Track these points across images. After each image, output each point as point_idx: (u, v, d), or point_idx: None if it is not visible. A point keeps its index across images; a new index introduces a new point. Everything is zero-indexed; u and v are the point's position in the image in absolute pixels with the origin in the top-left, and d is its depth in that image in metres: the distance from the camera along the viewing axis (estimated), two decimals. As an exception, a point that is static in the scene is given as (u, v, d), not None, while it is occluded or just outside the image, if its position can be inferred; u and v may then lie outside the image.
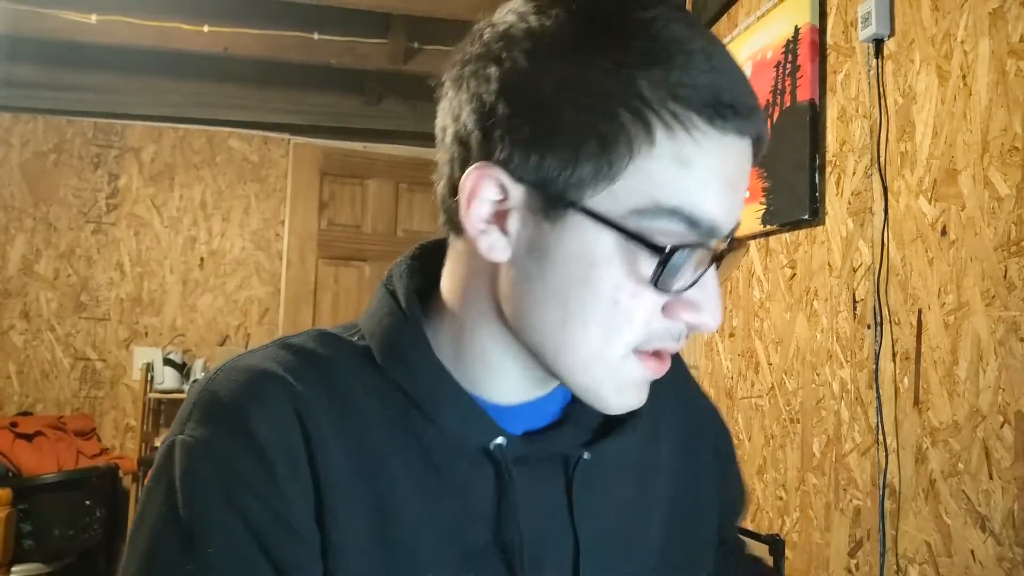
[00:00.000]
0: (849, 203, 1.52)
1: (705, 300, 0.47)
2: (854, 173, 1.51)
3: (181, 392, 3.28)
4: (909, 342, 1.33)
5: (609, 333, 0.46)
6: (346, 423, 0.48)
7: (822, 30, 1.65)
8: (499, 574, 0.50)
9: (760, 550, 1.27)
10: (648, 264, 0.44)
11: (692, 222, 0.44)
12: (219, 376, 0.49)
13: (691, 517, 0.62)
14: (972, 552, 1.17)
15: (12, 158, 3.41)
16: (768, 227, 1.78)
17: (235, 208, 3.63)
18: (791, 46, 1.71)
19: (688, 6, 2.29)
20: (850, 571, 1.46)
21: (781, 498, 1.72)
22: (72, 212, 3.45)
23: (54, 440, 2.99)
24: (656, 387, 0.51)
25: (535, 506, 0.51)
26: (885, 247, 1.39)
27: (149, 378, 3.27)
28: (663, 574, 0.59)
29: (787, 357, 1.73)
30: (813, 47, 1.65)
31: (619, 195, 0.44)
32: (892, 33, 1.41)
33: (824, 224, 1.60)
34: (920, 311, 1.31)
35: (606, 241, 0.44)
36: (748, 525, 1.78)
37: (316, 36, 3.12)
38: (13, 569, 2.69)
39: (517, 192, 0.46)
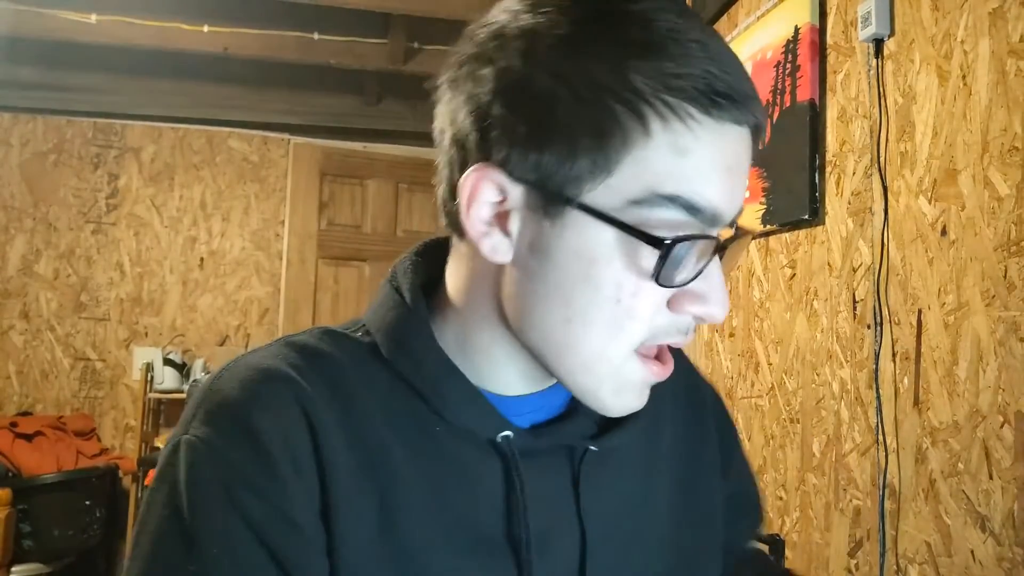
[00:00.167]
0: (849, 203, 1.52)
1: (711, 291, 0.46)
2: (854, 173, 1.51)
3: (181, 392, 3.28)
4: (909, 342, 1.33)
5: (613, 331, 0.46)
6: (350, 419, 0.48)
7: (822, 30, 1.65)
8: (506, 566, 0.50)
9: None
10: (649, 258, 0.44)
11: (692, 209, 0.44)
12: (223, 376, 0.49)
13: (697, 505, 0.62)
14: (972, 552, 1.17)
15: (12, 158, 3.41)
16: (768, 227, 1.78)
17: (235, 208, 3.63)
18: (791, 46, 1.71)
19: (688, 5, 2.29)
20: (850, 571, 1.46)
21: (781, 498, 1.72)
22: (72, 212, 3.45)
23: (54, 440, 2.99)
24: None
25: (542, 498, 0.51)
26: (885, 247, 1.39)
27: (149, 378, 3.27)
28: (672, 565, 0.58)
29: (787, 357, 1.73)
30: (813, 47, 1.65)
31: (617, 188, 0.44)
32: (892, 33, 1.41)
33: (824, 224, 1.60)
34: (920, 311, 1.31)
35: (606, 237, 0.44)
36: (748, 525, 1.78)
37: (316, 36, 3.12)
38: (13, 569, 2.69)
39: (516, 192, 0.46)
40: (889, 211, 1.39)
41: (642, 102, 0.43)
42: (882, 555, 1.36)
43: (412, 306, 0.52)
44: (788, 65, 1.73)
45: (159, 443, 3.25)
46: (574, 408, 0.55)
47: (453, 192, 0.48)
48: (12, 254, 3.38)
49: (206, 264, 3.59)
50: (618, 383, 0.48)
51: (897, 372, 1.36)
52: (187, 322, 3.55)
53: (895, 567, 1.33)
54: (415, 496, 0.48)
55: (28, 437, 2.93)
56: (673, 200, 0.44)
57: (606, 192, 0.44)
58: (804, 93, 1.65)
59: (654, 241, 0.43)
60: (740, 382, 1.95)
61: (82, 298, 3.44)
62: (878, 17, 1.41)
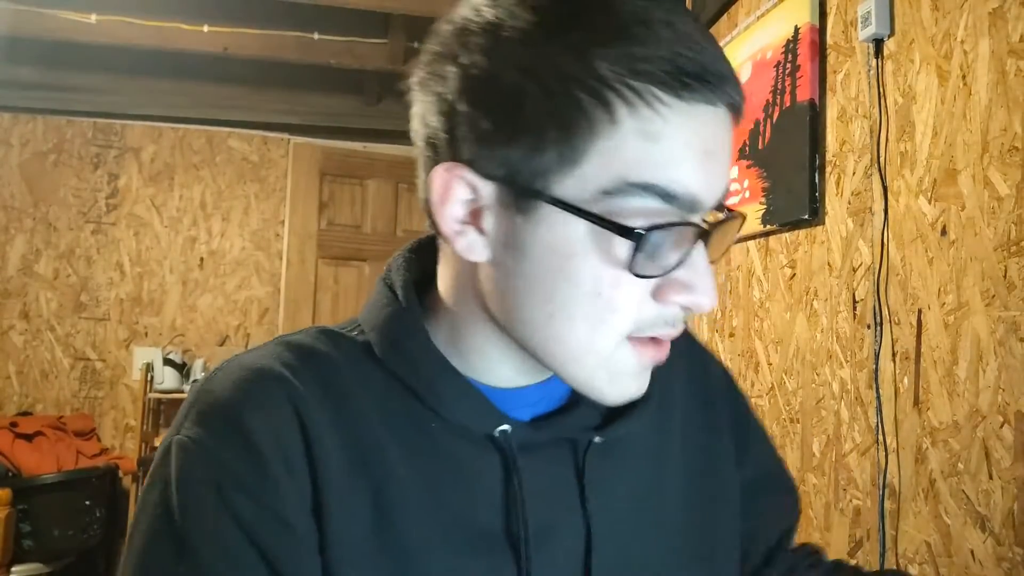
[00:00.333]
0: (849, 203, 1.52)
1: (696, 279, 0.45)
2: (854, 173, 1.51)
3: (181, 392, 3.28)
4: (909, 342, 1.33)
5: (595, 325, 0.45)
6: (344, 417, 0.48)
7: (822, 30, 1.65)
8: (505, 562, 0.49)
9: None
10: (624, 249, 0.43)
11: (668, 196, 0.43)
12: (217, 376, 0.49)
13: (711, 492, 0.60)
14: (972, 552, 1.17)
15: (12, 158, 3.41)
16: (768, 227, 1.78)
17: (235, 208, 3.63)
18: (791, 46, 1.71)
19: (688, 5, 2.29)
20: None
21: (781, 498, 1.72)
22: (72, 212, 3.45)
23: (54, 440, 2.99)
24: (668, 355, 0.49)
25: (544, 492, 0.51)
26: (885, 247, 1.39)
27: (149, 378, 3.27)
28: (685, 558, 0.57)
29: (787, 357, 1.73)
30: (813, 47, 1.65)
31: (587, 179, 0.43)
32: (892, 33, 1.41)
33: (824, 224, 1.60)
34: (920, 311, 1.31)
35: (579, 229, 0.43)
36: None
37: (315, 36, 3.12)
38: (13, 569, 2.69)
39: (487, 189, 0.45)
40: (889, 211, 1.39)
41: (607, 89, 0.42)
42: (882, 555, 1.35)
43: (405, 304, 0.52)
44: (788, 65, 1.72)
45: (159, 443, 3.24)
46: (577, 399, 0.54)
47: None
48: (12, 254, 3.38)
49: (206, 264, 3.59)
50: (611, 372, 0.47)
51: (897, 372, 1.36)
52: (187, 322, 3.55)
53: (895, 567, 1.33)
54: (411, 494, 0.48)
55: (28, 437, 2.93)
56: (647, 188, 0.42)
57: (576, 184, 0.43)
58: (804, 93, 1.65)
59: (625, 231, 0.42)
60: (740, 382, 1.95)
61: (82, 298, 3.44)
62: (878, 17, 1.41)
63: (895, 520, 1.34)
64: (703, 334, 2.20)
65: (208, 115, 3.53)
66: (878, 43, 1.44)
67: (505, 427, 0.50)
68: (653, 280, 0.44)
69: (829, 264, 1.58)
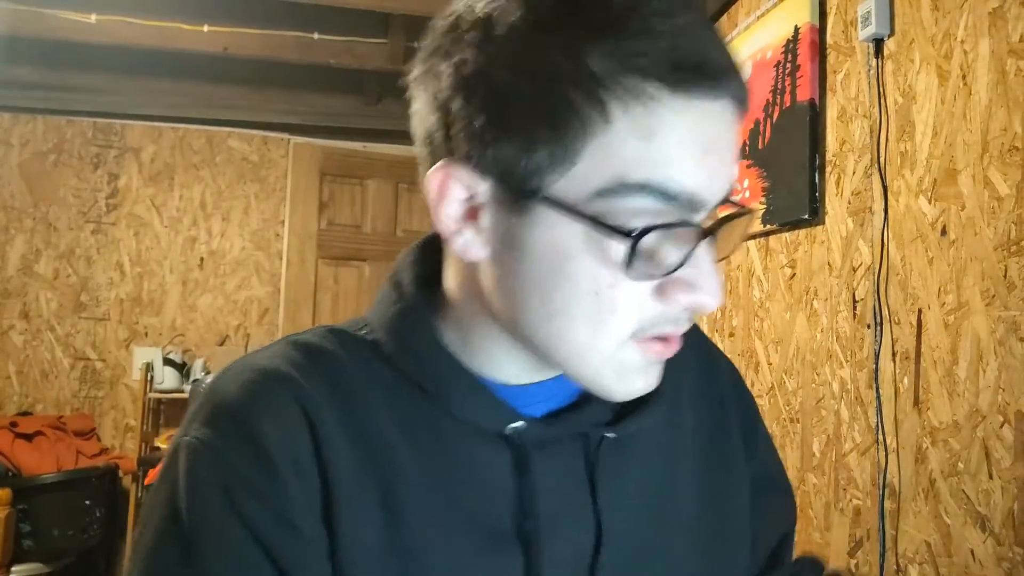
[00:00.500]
0: (849, 203, 1.52)
1: (700, 278, 0.43)
2: (854, 173, 1.51)
3: (181, 392, 3.28)
4: (909, 342, 1.33)
5: (596, 325, 0.44)
6: (352, 417, 0.48)
7: (822, 30, 1.65)
8: (515, 559, 0.49)
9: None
10: (619, 250, 0.42)
11: (666, 196, 0.41)
12: (225, 376, 0.49)
13: (723, 488, 0.59)
14: (972, 552, 1.17)
15: (12, 158, 3.40)
16: (768, 227, 1.78)
17: (235, 208, 3.63)
18: (791, 46, 1.71)
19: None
20: (850, 571, 1.46)
21: (781, 498, 1.73)
22: (72, 212, 3.45)
23: (54, 440, 2.99)
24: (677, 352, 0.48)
25: (555, 489, 0.50)
26: (885, 247, 1.39)
27: (149, 378, 3.27)
28: (696, 554, 0.56)
29: (787, 357, 1.73)
30: (813, 47, 1.65)
31: (582, 179, 0.41)
32: (892, 33, 1.41)
33: (824, 224, 1.60)
34: (920, 311, 1.31)
35: (574, 230, 0.42)
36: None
37: (315, 36, 3.12)
38: (13, 569, 2.69)
39: (484, 187, 0.44)
40: (889, 211, 1.39)
41: (599, 86, 0.40)
42: (882, 555, 1.35)
43: (412, 302, 0.51)
44: (788, 65, 1.72)
45: (159, 443, 3.24)
46: (588, 395, 0.53)
47: None
48: (12, 254, 3.38)
49: (206, 264, 3.58)
50: (616, 370, 0.46)
51: (897, 372, 1.36)
52: (187, 322, 3.55)
53: (895, 567, 1.33)
54: (421, 493, 0.48)
55: (28, 437, 2.93)
56: (644, 188, 0.41)
57: (571, 183, 0.42)
58: (804, 93, 1.65)
59: (619, 233, 0.41)
60: (740, 382, 1.95)
61: (82, 298, 3.44)
62: (878, 17, 1.41)
63: (895, 520, 1.34)
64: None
65: (208, 115, 3.53)
66: (878, 43, 1.44)
67: (517, 424, 0.49)
68: (652, 280, 0.43)
69: (829, 264, 1.58)
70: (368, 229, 3.81)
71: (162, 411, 3.46)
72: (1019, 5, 1.14)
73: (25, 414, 3.25)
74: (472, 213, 0.46)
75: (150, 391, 3.27)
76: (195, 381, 3.20)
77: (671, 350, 0.47)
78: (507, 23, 0.42)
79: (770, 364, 1.81)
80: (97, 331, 3.45)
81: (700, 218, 0.44)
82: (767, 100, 1.80)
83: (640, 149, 0.41)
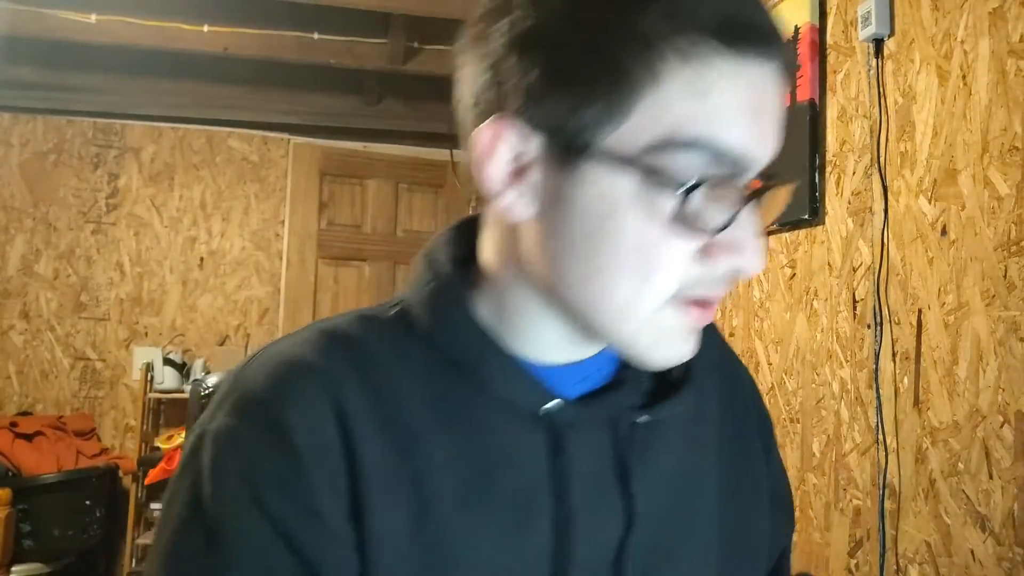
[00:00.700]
0: (849, 203, 1.52)
1: (745, 240, 0.44)
2: (854, 173, 1.51)
3: (181, 392, 3.28)
4: (909, 342, 1.33)
5: (639, 284, 0.44)
6: (381, 403, 0.47)
7: (822, 30, 1.65)
8: (545, 541, 0.48)
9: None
10: (669, 205, 0.42)
11: (716, 154, 0.42)
12: (252, 365, 0.48)
13: (744, 487, 0.59)
14: (972, 552, 1.17)
15: (12, 158, 3.40)
16: (768, 227, 1.78)
17: (235, 208, 3.63)
18: (791, 45, 1.72)
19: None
20: (850, 571, 1.46)
21: (781, 498, 1.73)
22: (72, 212, 3.45)
23: (54, 440, 2.99)
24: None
25: (587, 473, 0.49)
26: (885, 247, 1.39)
27: (149, 378, 3.27)
28: (718, 551, 0.56)
29: (787, 357, 1.73)
30: (813, 47, 1.65)
31: (633, 133, 0.42)
32: (892, 33, 1.41)
33: (824, 224, 1.60)
34: (920, 311, 1.31)
35: (624, 184, 0.43)
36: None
37: (315, 36, 3.12)
38: (13, 569, 2.69)
39: (533, 144, 0.45)
40: (889, 211, 1.39)
41: (652, 44, 0.41)
42: (882, 555, 1.36)
43: (448, 280, 0.51)
44: (788, 65, 1.73)
45: (159, 443, 3.24)
46: (622, 378, 0.53)
47: None
48: (12, 254, 3.38)
49: (206, 264, 3.59)
50: (654, 335, 0.46)
51: (897, 372, 1.36)
52: (187, 322, 3.55)
53: (895, 567, 1.33)
54: (451, 477, 0.47)
55: (28, 437, 2.93)
56: (694, 145, 0.41)
57: (623, 139, 0.42)
58: (804, 93, 1.65)
59: (671, 185, 0.41)
60: (740, 382, 1.96)
61: (82, 298, 3.44)
62: (878, 17, 1.41)
63: (895, 520, 1.34)
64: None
65: (208, 115, 3.53)
66: (878, 43, 1.44)
67: (553, 403, 0.49)
68: (698, 239, 0.43)
69: (829, 264, 1.58)
70: (368, 229, 3.81)
71: (162, 411, 3.46)
72: (1019, 5, 1.14)
73: (25, 414, 3.26)
74: (518, 173, 0.46)
75: (150, 391, 3.27)
76: (195, 381, 3.20)
77: (707, 316, 0.47)
78: None
79: (770, 364, 1.81)
80: (97, 331, 3.45)
81: (745, 181, 0.44)
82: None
83: (692, 106, 0.41)
